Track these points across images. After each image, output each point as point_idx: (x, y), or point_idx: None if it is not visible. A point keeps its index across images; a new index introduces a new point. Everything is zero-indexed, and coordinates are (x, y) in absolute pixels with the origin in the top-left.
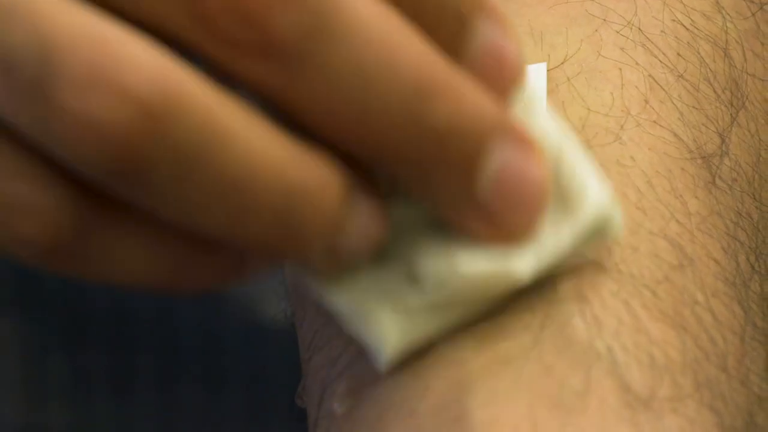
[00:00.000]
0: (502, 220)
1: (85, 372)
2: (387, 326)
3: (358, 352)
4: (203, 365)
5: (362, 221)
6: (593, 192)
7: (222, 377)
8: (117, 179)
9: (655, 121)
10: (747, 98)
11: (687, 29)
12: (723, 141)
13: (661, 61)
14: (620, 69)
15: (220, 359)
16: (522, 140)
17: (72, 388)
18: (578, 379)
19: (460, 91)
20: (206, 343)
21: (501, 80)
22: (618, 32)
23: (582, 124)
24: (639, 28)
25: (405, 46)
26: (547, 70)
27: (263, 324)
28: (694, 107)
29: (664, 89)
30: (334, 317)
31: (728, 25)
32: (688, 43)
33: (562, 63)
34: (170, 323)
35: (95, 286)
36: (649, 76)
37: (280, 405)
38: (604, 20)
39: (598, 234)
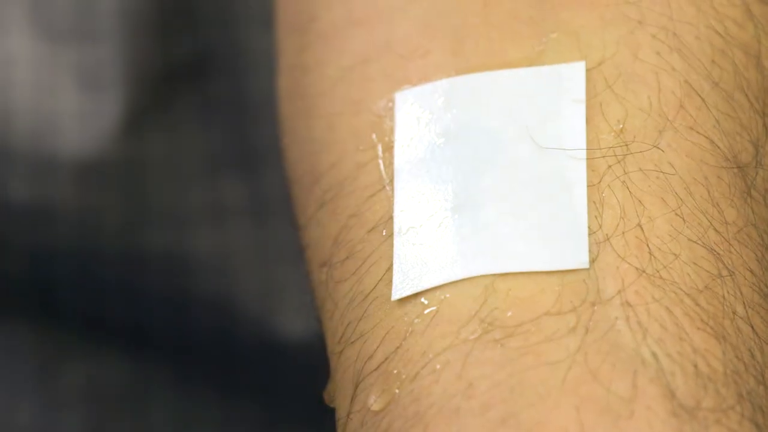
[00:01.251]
0: None
1: (101, 379)
2: None
3: (396, 347)
4: (219, 375)
5: None
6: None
7: (237, 387)
8: None
9: (691, 128)
10: None
11: (721, 36)
12: (757, 151)
13: (696, 68)
14: (657, 73)
15: (236, 369)
16: None
17: (87, 396)
18: (624, 385)
19: None
20: (222, 352)
21: None
22: (654, 36)
23: (620, 126)
24: (674, 33)
25: None
26: (585, 71)
27: (278, 335)
28: (729, 115)
29: (700, 96)
30: (371, 312)
31: (761, 34)
32: (722, 50)
33: (599, 65)
34: (186, 332)
35: (112, 294)
36: (686, 81)
37: (295, 416)
38: (640, 23)
39: None
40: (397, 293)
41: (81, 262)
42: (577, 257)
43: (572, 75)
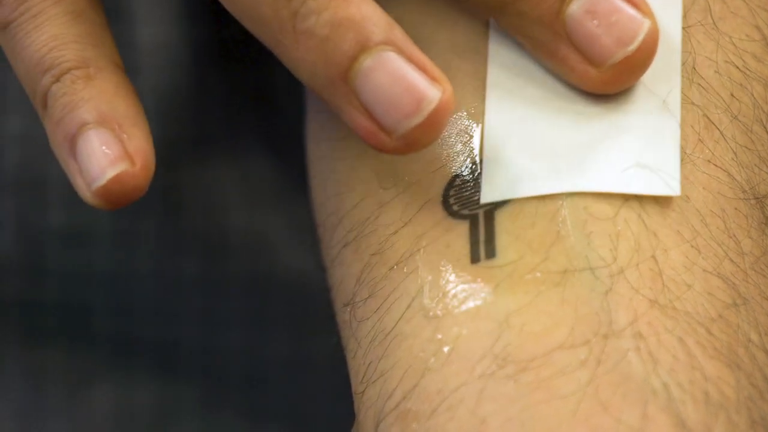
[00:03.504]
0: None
1: (130, 402)
2: None
3: (414, 385)
4: (247, 396)
5: None
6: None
7: (266, 409)
8: None
9: (709, 161)
10: None
11: (740, 70)
12: None
13: (715, 102)
14: None
15: (265, 391)
16: None
17: (116, 419)
18: (635, 415)
19: None
20: (252, 375)
21: None
22: None
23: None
24: (694, 68)
25: None
26: None
27: (310, 356)
28: (747, 148)
29: (718, 129)
30: (390, 351)
31: None
32: (740, 84)
33: None
34: (217, 355)
35: (145, 317)
36: (704, 115)
37: None
38: None
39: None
40: (485, 198)
41: (115, 286)
42: (670, 184)
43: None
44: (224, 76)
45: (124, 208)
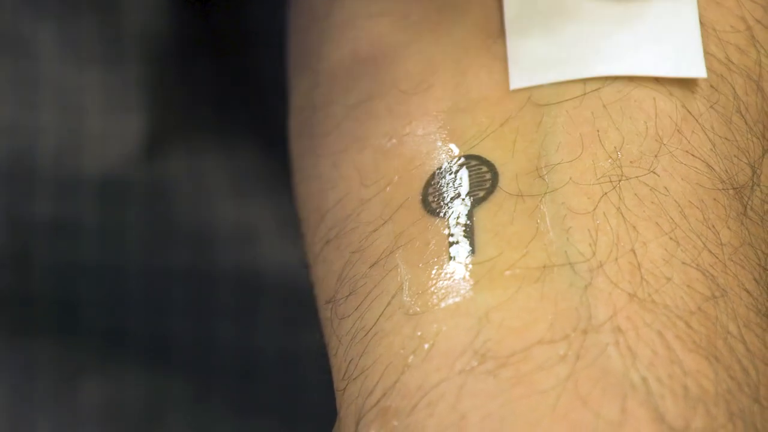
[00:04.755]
0: None
1: (119, 397)
2: None
3: (394, 381)
4: (237, 390)
5: None
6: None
7: (256, 402)
8: None
9: (687, 152)
10: None
11: (721, 62)
12: (754, 172)
13: (693, 92)
14: (654, 99)
15: (255, 384)
16: None
17: (106, 413)
18: (614, 410)
19: None
20: (243, 368)
21: None
22: None
23: (617, 152)
24: None
25: None
26: (582, 97)
27: (300, 349)
28: (726, 138)
29: (697, 120)
30: (371, 348)
31: (763, 59)
32: (721, 75)
33: (597, 90)
34: (208, 349)
35: (134, 311)
36: (683, 106)
37: None
38: None
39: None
40: (513, 84)
41: (103, 279)
42: (695, 65)
43: None
44: (213, 66)
45: (111, 199)
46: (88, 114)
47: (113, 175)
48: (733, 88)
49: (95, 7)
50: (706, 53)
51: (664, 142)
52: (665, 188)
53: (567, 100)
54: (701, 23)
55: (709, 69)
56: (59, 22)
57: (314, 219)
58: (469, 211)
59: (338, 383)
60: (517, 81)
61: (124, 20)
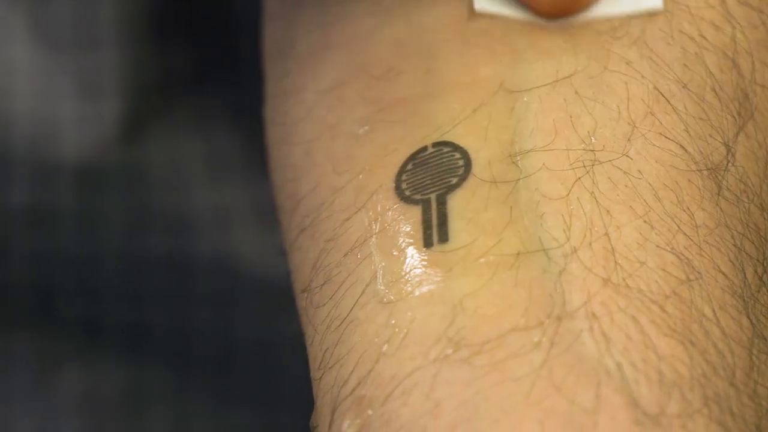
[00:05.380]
0: None
1: (99, 386)
2: None
3: (368, 370)
4: (217, 378)
5: None
6: None
7: (236, 390)
8: None
9: (661, 134)
10: (756, 108)
11: (694, 40)
12: (729, 151)
13: (665, 73)
14: (626, 83)
15: (235, 372)
16: None
17: (85, 402)
18: (588, 396)
19: None
20: (222, 356)
21: None
22: (624, 46)
23: (590, 137)
24: (645, 42)
25: None
26: (555, 83)
27: (279, 336)
28: (699, 118)
29: (669, 101)
30: (346, 337)
31: (738, 35)
32: (694, 53)
33: (570, 76)
34: (187, 336)
35: (112, 298)
36: (654, 88)
37: (295, 424)
38: (611, 36)
39: None
40: (478, 6)
41: (81, 267)
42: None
43: None
44: (190, 49)
45: (88, 186)
46: (63, 100)
47: (89, 161)
48: (707, 66)
49: None
50: (679, 32)
51: (637, 125)
52: (639, 171)
53: (539, 87)
54: (676, 1)
55: (681, 48)
56: (31, 7)
57: (289, 207)
58: (442, 198)
59: (314, 372)
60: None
61: (98, 4)
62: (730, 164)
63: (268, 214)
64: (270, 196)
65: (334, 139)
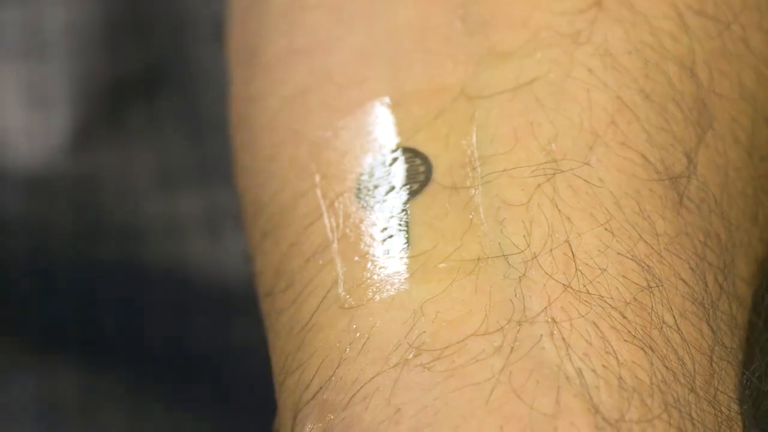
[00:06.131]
0: None
1: (53, 390)
2: None
3: (329, 375)
4: (173, 384)
5: None
6: None
7: (192, 397)
8: None
9: (623, 143)
10: (714, 118)
11: (654, 50)
12: (690, 161)
13: (628, 83)
14: (588, 90)
15: (190, 379)
16: None
17: (39, 407)
18: (548, 402)
19: None
20: (176, 362)
21: None
22: (587, 53)
23: (551, 144)
24: (607, 50)
25: None
26: (516, 89)
27: (234, 343)
28: (661, 128)
29: (631, 110)
30: (307, 342)
31: (695, 45)
32: (656, 64)
33: (530, 83)
34: (140, 342)
35: (64, 304)
36: (617, 97)
37: (248, 427)
38: (573, 41)
39: None
40: None
41: (32, 275)
42: None
43: None
44: (141, 56)
45: (39, 194)
46: (11, 109)
47: (39, 170)
48: (668, 76)
49: (17, 0)
50: (640, 41)
51: (599, 134)
52: (600, 180)
53: (500, 93)
54: (633, 11)
55: (643, 58)
56: None
57: (252, 212)
58: (403, 204)
59: (277, 376)
60: None
61: (46, 13)
62: (691, 174)
63: (220, 222)
64: (221, 203)
65: (298, 146)
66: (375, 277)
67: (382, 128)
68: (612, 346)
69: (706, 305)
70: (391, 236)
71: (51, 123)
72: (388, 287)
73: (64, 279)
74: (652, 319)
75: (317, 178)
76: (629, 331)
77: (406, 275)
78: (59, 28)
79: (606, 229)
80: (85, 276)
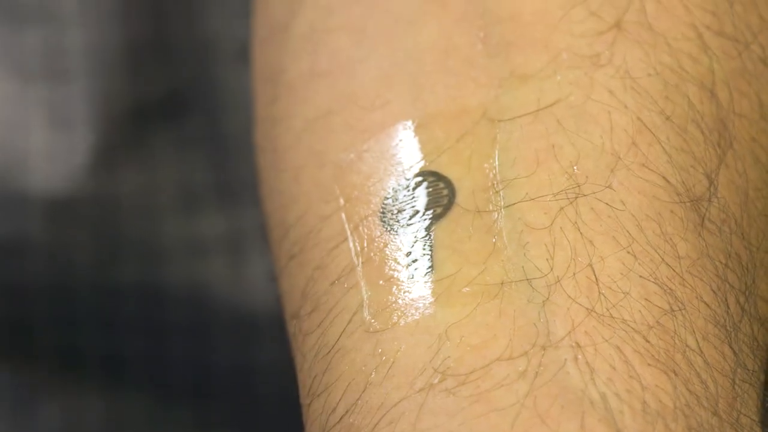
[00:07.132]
0: None
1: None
2: None
3: (356, 399)
4: (195, 406)
5: None
6: None
7: (214, 419)
8: None
9: (643, 165)
10: (734, 138)
11: (674, 71)
12: (711, 183)
13: (648, 104)
14: (609, 112)
15: (212, 400)
16: None
17: None
18: (572, 427)
19: None
20: (198, 385)
21: None
22: (607, 75)
23: (572, 167)
24: (627, 72)
25: None
26: (537, 112)
27: (254, 364)
28: (682, 149)
29: (652, 132)
30: (334, 365)
31: (715, 65)
32: (675, 85)
33: (552, 105)
34: (162, 366)
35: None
36: (638, 119)
37: None
38: (594, 63)
39: None
40: None
41: (53, 298)
42: None
43: None
44: (163, 77)
45: (60, 215)
46: (33, 130)
47: (60, 191)
48: (688, 98)
49: (39, 21)
50: (660, 63)
51: (620, 157)
52: (622, 202)
53: (521, 116)
54: (653, 32)
55: (663, 79)
56: (2, 38)
57: (278, 234)
58: (427, 227)
59: (304, 398)
60: None
61: (68, 35)
62: (712, 195)
63: (241, 244)
64: (243, 225)
65: (322, 168)
66: (400, 301)
67: (406, 151)
68: (636, 370)
69: (728, 327)
70: (415, 260)
71: (73, 144)
72: (413, 311)
73: (84, 301)
74: (675, 343)
75: (341, 201)
76: (653, 355)
77: (431, 299)
78: (81, 50)
79: (628, 253)
80: (106, 298)
